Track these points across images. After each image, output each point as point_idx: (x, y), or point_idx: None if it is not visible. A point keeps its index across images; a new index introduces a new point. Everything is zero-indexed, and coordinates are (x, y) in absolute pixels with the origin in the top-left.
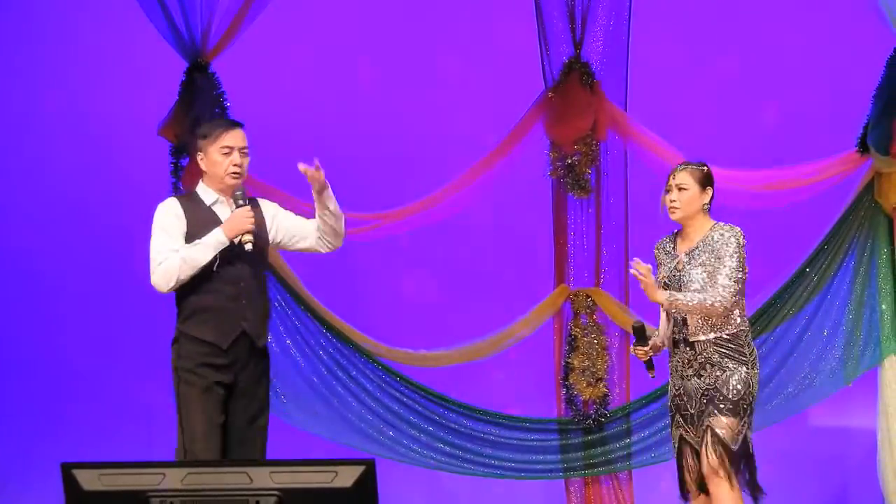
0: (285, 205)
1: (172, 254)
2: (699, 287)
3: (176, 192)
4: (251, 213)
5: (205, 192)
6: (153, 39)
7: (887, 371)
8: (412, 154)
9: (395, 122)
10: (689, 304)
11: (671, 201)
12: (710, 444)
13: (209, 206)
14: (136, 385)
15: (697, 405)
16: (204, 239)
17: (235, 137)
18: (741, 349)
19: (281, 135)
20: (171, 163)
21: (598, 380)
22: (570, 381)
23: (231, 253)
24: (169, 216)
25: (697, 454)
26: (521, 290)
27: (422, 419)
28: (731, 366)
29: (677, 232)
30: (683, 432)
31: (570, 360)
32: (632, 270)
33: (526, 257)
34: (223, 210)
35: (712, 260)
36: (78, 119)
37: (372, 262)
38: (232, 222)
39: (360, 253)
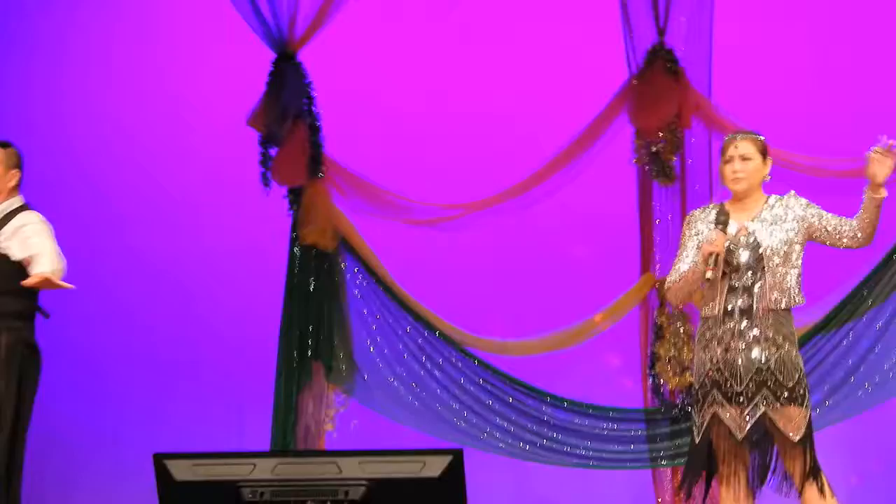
0: (377, 203)
1: None
2: (783, 261)
3: (265, 181)
4: None
5: None
6: (242, 31)
7: None
8: (498, 142)
9: (481, 109)
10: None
11: (734, 172)
12: (794, 445)
13: None
14: (228, 378)
15: (745, 384)
16: None
17: None
18: (791, 326)
19: (366, 123)
20: (261, 153)
21: (685, 369)
22: (657, 370)
23: None
24: None
25: (734, 438)
26: (608, 279)
27: (508, 408)
28: (785, 345)
29: (722, 204)
30: (720, 410)
31: (655, 350)
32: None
33: (612, 245)
34: None
35: (793, 235)
36: (171, 111)
37: (458, 251)
38: None
39: (447, 242)
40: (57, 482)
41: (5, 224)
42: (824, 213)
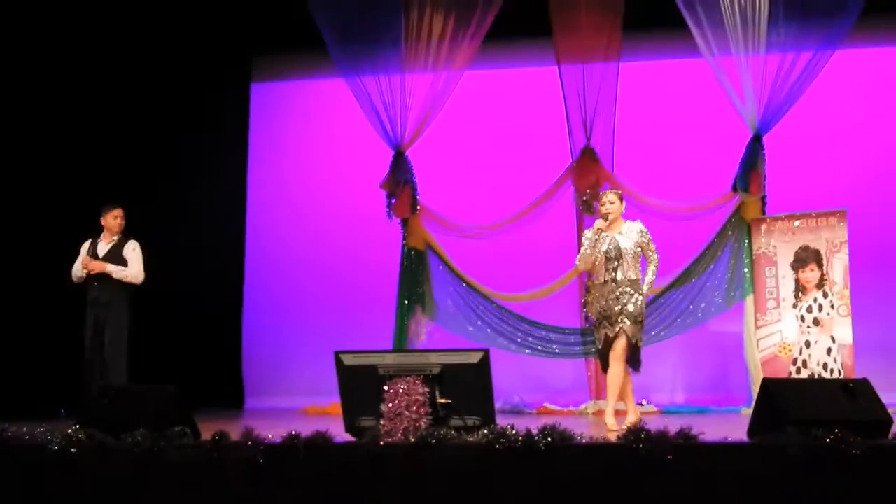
0: (445, 226)
1: None
2: (632, 255)
3: (390, 217)
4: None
5: None
6: (378, 141)
7: (748, 303)
8: (505, 192)
9: (497, 175)
10: (653, 279)
11: (606, 210)
12: (622, 339)
13: None
14: (372, 312)
15: (617, 316)
16: None
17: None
18: (639, 287)
19: (438, 184)
20: (387, 201)
21: None
22: (586, 308)
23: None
24: None
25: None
26: (563, 262)
27: (511, 328)
28: (635, 296)
29: (602, 223)
30: (607, 330)
31: (585, 299)
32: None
33: (564, 245)
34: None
35: (635, 243)
36: (342, 179)
37: (486, 249)
38: None
39: (479, 244)
40: (280, 364)
41: (125, 244)
42: (648, 242)
